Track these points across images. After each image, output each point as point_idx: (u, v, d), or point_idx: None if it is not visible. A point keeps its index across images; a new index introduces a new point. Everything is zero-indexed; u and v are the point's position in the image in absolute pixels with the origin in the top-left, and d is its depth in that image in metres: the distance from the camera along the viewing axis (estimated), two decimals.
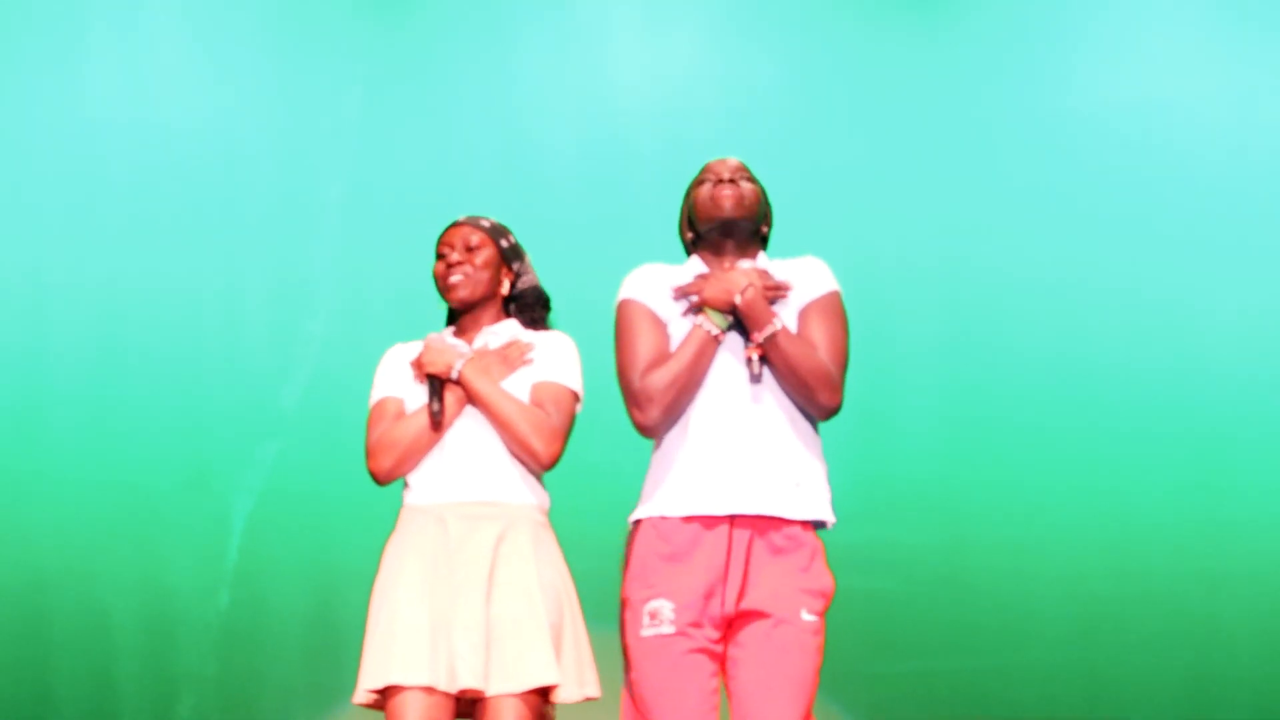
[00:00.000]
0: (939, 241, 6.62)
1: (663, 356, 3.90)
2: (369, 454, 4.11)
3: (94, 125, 6.74)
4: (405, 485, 4.13)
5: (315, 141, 6.79)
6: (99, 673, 6.48)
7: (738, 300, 3.87)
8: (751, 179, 4.06)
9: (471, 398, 4.07)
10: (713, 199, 4.00)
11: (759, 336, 3.88)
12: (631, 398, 3.88)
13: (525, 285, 4.27)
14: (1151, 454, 6.58)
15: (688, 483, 3.87)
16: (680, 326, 3.93)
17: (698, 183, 4.06)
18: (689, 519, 3.86)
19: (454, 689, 3.91)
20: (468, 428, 4.08)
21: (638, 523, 3.91)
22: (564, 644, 4.01)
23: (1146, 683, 6.52)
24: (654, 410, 3.85)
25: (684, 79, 6.93)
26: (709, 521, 3.85)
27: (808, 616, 3.88)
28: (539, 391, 4.11)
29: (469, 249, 4.18)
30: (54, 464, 6.54)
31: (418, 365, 4.10)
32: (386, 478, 4.12)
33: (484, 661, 3.91)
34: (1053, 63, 6.86)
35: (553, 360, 4.17)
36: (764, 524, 3.88)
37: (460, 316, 4.25)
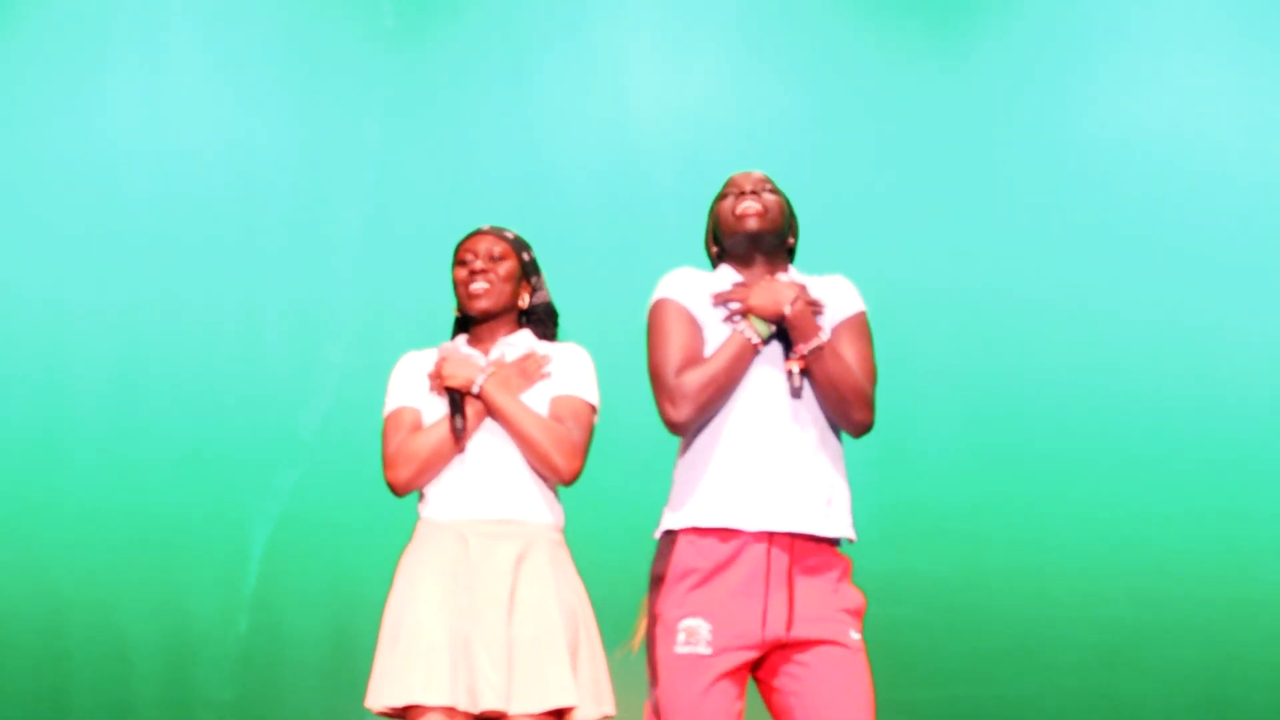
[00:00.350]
0: (957, 267, 6.60)
1: (697, 356, 3.88)
2: (387, 464, 4.10)
3: (114, 152, 6.75)
4: (422, 498, 4.12)
5: (334, 169, 6.80)
6: (118, 699, 6.48)
7: (787, 310, 3.86)
8: (775, 190, 4.04)
9: (492, 412, 4.06)
10: (736, 213, 3.99)
11: (804, 349, 3.86)
12: (666, 392, 3.85)
13: (540, 300, 4.27)
14: (1171, 480, 6.56)
15: (726, 495, 3.84)
16: (715, 331, 3.92)
17: (721, 196, 4.05)
18: (727, 533, 3.83)
19: (476, 709, 3.91)
20: (488, 442, 4.08)
21: (670, 533, 3.88)
22: (581, 663, 4.01)
23: (1167, 710, 6.49)
24: (687, 407, 3.82)
25: (701, 106, 6.93)
26: (747, 537, 3.83)
27: (855, 636, 3.87)
28: (558, 405, 4.11)
29: (493, 259, 4.18)
30: (73, 491, 6.54)
31: (436, 377, 4.09)
32: (405, 489, 4.11)
33: (506, 681, 3.91)
34: (1072, 90, 6.85)
35: (570, 373, 4.17)
36: (800, 542, 3.86)
37: (474, 326, 4.24)
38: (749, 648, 3.80)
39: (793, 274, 4.05)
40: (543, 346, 4.21)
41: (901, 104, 6.83)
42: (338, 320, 6.65)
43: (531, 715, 3.93)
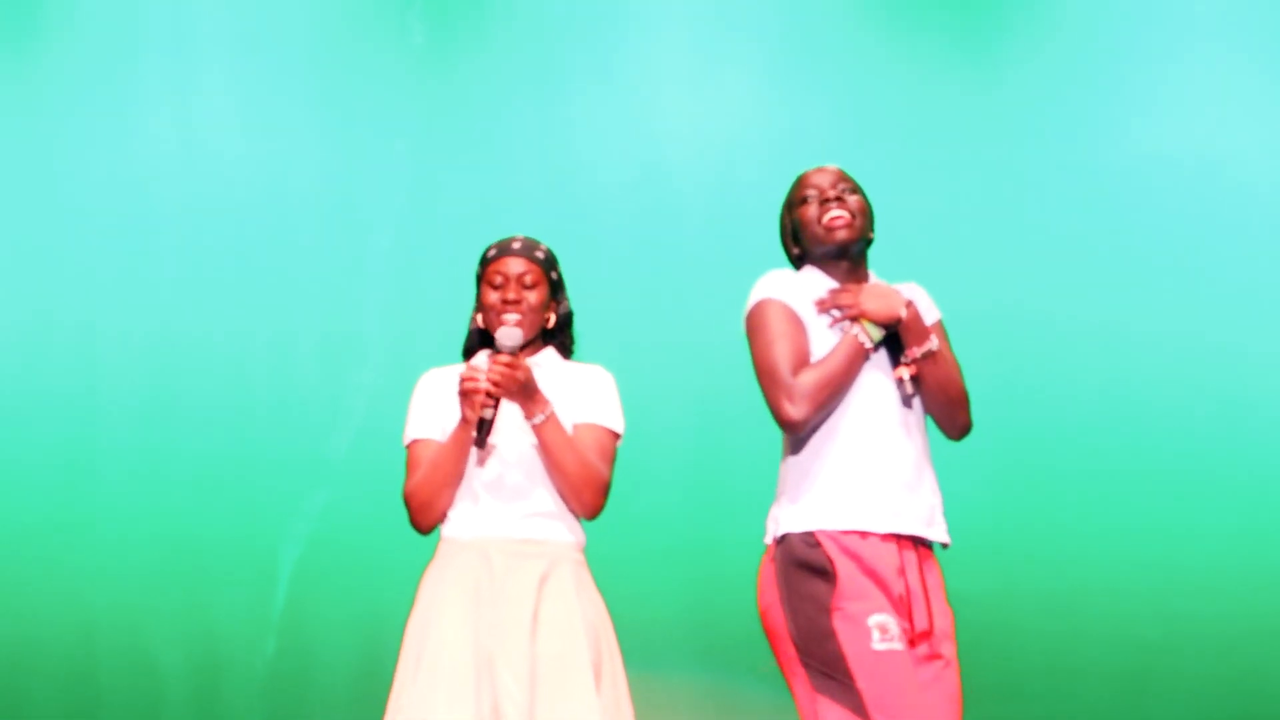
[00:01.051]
0: (987, 289, 6.60)
1: (807, 356, 3.89)
2: (407, 502, 4.12)
3: (146, 175, 6.79)
4: (444, 517, 4.13)
5: (364, 189, 6.83)
6: None
7: (902, 314, 3.90)
8: (854, 188, 4.05)
9: (547, 443, 4.06)
10: (824, 224, 4.00)
11: (917, 352, 3.90)
12: (785, 391, 3.86)
13: (563, 314, 4.29)
14: (1200, 500, 6.56)
15: (856, 497, 3.87)
16: (818, 332, 3.93)
17: (800, 201, 4.05)
18: (863, 535, 3.85)
19: None
20: (513, 463, 4.10)
21: (810, 534, 3.85)
22: (603, 683, 4.04)
23: None
24: (806, 406, 3.84)
25: (731, 126, 6.95)
26: (875, 538, 3.86)
27: (952, 656, 3.91)
28: (584, 435, 4.13)
29: (524, 286, 4.18)
30: (104, 513, 6.58)
31: (493, 389, 4.00)
32: (430, 528, 4.14)
33: (529, 700, 3.94)
34: (1105, 116, 6.86)
35: (595, 399, 4.19)
36: (919, 546, 3.91)
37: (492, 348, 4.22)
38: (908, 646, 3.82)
39: (874, 279, 4.05)
40: (567, 368, 4.21)
41: (932, 123, 6.84)
42: (368, 342, 6.67)
43: None
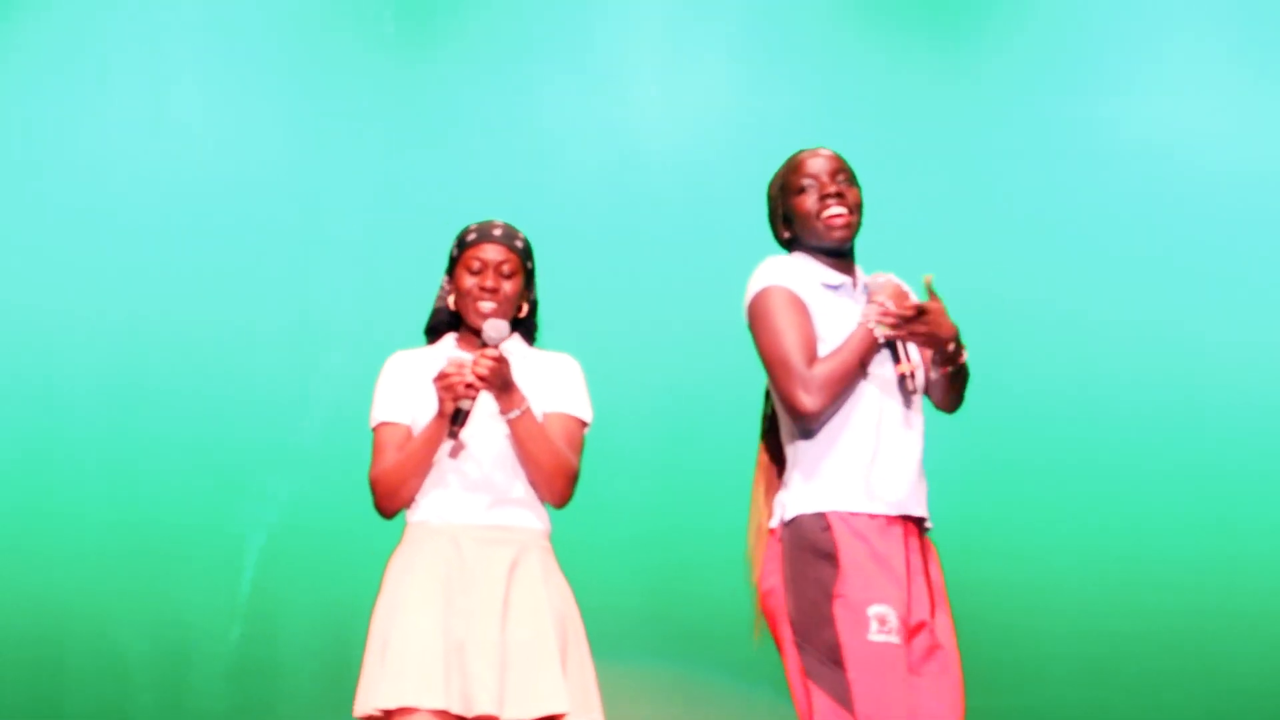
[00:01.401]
0: (958, 278, 6.57)
1: (815, 344, 3.88)
2: (372, 488, 4.11)
3: (114, 159, 6.77)
4: (412, 503, 4.12)
5: (335, 175, 6.81)
6: (113, 706, 6.48)
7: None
8: (852, 178, 4.04)
9: (524, 435, 4.05)
10: (824, 223, 3.97)
11: (949, 369, 3.98)
12: (801, 382, 3.83)
13: (531, 303, 4.28)
14: (1165, 491, 6.58)
15: (874, 481, 3.87)
16: (821, 317, 3.91)
17: (797, 189, 4.01)
18: (873, 517, 3.85)
19: (470, 714, 3.93)
20: (483, 450, 4.09)
21: (819, 515, 3.85)
22: (570, 670, 4.04)
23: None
24: (823, 398, 3.83)
25: (704, 116, 6.95)
26: (893, 522, 3.87)
27: (953, 647, 3.93)
28: (553, 424, 4.12)
29: (502, 275, 4.16)
30: (69, 499, 6.55)
31: (478, 382, 3.98)
32: (393, 513, 4.13)
33: (500, 686, 3.94)
34: (1079, 104, 6.88)
35: (563, 388, 4.19)
36: (918, 529, 3.93)
37: (464, 328, 4.21)
38: (906, 638, 3.83)
39: (859, 273, 4.05)
40: (534, 356, 4.20)
41: (905, 111, 6.84)
42: (337, 328, 6.65)
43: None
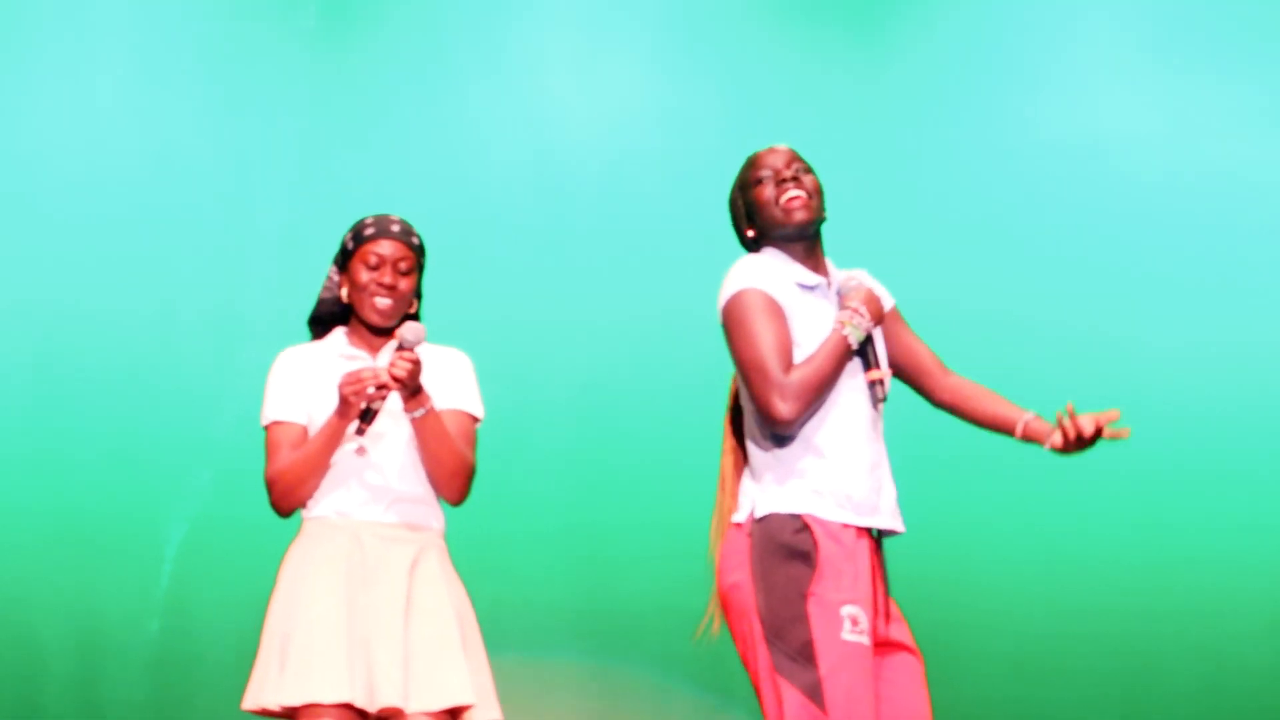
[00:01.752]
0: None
1: (791, 347, 3.88)
2: (269, 487, 4.10)
3: (32, 149, 6.72)
4: (312, 498, 4.11)
5: (253, 170, 6.79)
6: (28, 698, 6.44)
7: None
8: (807, 167, 4.05)
9: (429, 433, 4.05)
10: (782, 205, 3.99)
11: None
12: (778, 390, 3.82)
13: (419, 299, 4.26)
14: (1089, 491, 6.61)
15: (847, 490, 3.88)
16: (799, 320, 3.91)
17: (755, 181, 4.03)
18: (844, 526, 3.86)
19: (373, 707, 3.93)
20: (387, 449, 4.09)
21: (794, 516, 3.84)
22: (471, 665, 4.05)
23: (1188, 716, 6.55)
24: (798, 405, 3.82)
25: (621, 107, 6.96)
26: (852, 530, 3.87)
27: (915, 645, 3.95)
28: (448, 421, 4.11)
29: (399, 273, 4.15)
30: None
31: (392, 384, 3.95)
32: (289, 511, 4.13)
33: (403, 679, 3.94)
34: (995, 101, 6.92)
35: (456, 384, 4.19)
36: (877, 543, 3.94)
37: (355, 322, 4.20)
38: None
39: (831, 269, 4.07)
40: (427, 350, 4.15)
41: (822, 107, 6.87)
42: (255, 320, 6.63)
43: (429, 713, 3.96)
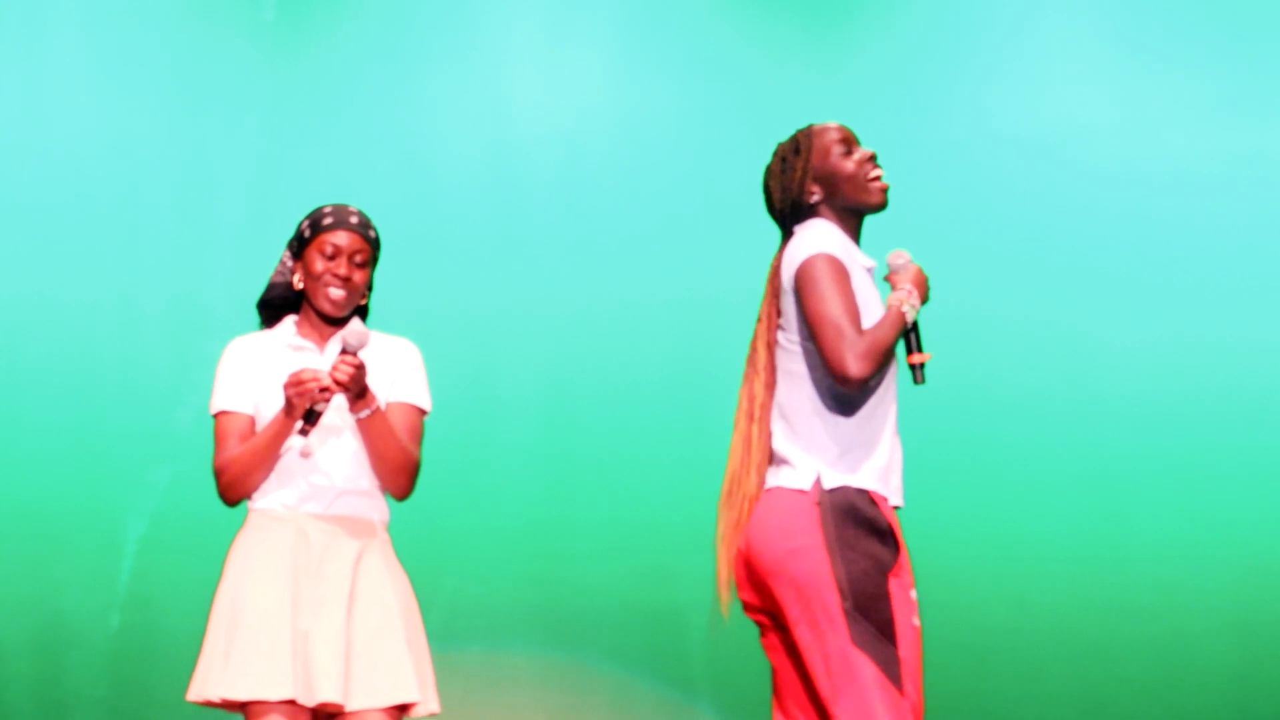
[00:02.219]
0: None
1: (859, 316, 3.86)
2: (216, 477, 4.09)
3: None
4: (259, 489, 4.11)
5: (214, 162, 6.78)
6: None
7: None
8: None
9: (375, 431, 4.05)
10: (873, 186, 4.03)
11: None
12: (851, 347, 3.77)
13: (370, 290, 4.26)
14: (1044, 486, 6.64)
15: (893, 472, 3.90)
16: (859, 297, 3.90)
17: (837, 147, 4.07)
18: (896, 509, 3.89)
19: (311, 702, 3.93)
20: (333, 444, 4.09)
21: (868, 493, 3.83)
22: (414, 658, 4.05)
23: (1038, 713, 6.57)
24: (871, 367, 3.79)
25: (582, 102, 6.96)
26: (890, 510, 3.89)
27: None
28: (395, 414, 4.11)
29: (354, 265, 4.14)
30: None
31: (334, 387, 3.94)
32: (236, 502, 4.13)
33: (344, 675, 3.94)
34: (954, 94, 6.93)
35: (406, 377, 4.18)
36: None
37: (308, 310, 4.20)
38: None
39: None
40: (376, 339, 4.16)
41: (781, 100, 6.87)
42: (215, 314, 6.62)
43: (372, 710, 3.96)
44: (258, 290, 6.32)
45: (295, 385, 3.94)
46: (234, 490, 4.09)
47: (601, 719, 6.64)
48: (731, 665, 6.48)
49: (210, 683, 3.97)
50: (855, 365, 3.76)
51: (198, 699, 4.02)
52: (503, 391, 6.66)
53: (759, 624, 3.97)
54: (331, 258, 4.13)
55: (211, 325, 6.52)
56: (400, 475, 4.09)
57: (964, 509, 6.63)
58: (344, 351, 3.98)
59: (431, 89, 6.90)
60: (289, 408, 3.97)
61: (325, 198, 6.64)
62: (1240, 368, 6.77)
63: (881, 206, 4.05)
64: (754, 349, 4.05)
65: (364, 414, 4.01)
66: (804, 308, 3.87)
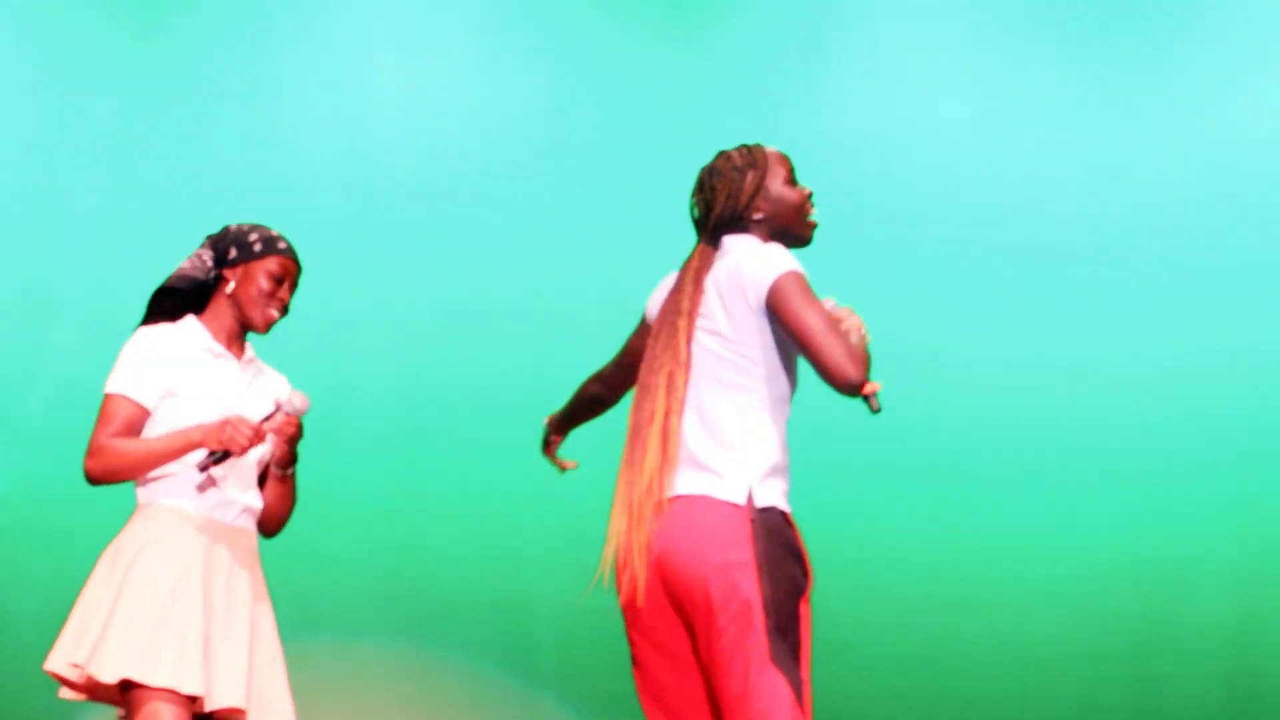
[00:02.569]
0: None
1: None
2: (92, 453, 4.06)
3: None
4: (158, 481, 4.13)
5: (66, 148, 6.74)
6: None
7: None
8: None
9: (284, 487, 4.23)
10: (808, 224, 4.13)
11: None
12: (849, 353, 3.82)
13: None
14: (984, 483, 6.73)
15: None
16: None
17: (788, 178, 4.16)
18: None
19: (211, 705, 3.97)
20: (239, 462, 4.16)
21: (786, 515, 3.86)
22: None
23: (984, 703, 6.67)
24: (866, 371, 3.84)
25: (440, 94, 6.98)
26: None
27: None
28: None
29: (290, 293, 4.26)
30: None
31: (280, 445, 4.11)
32: (98, 483, 4.10)
33: (246, 684, 4.01)
34: (811, 87, 6.98)
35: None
36: None
37: (219, 319, 4.22)
38: None
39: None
40: (265, 371, 4.32)
41: (641, 95, 6.92)
42: (66, 300, 6.58)
43: None
44: (110, 277, 6.29)
45: (237, 429, 3.98)
46: (107, 477, 4.06)
47: (451, 709, 6.67)
48: (579, 657, 6.53)
49: (103, 656, 3.92)
50: (856, 371, 3.81)
51: (65, 667, 3.99)
52: (358, 381, 6.68)
53: (647, 641, 3.93)
54: (280, 281, 4.21)
55: (64, 312, 6.49)
56: (284, 524, 4.28)
57: (906, 506, 6.72)
58: (288, 413, 4.08)
59: (288, 77, 6.90)
60: (212, 439, 3.99)
61: (177, 186, 6.67)
62: (1086, 361, 6.89)
63: (808, 243, 4.14)
64: (673, 342, 4.00)
65: (290, 471, 4.19)
66: (789, 323, 3.89)
